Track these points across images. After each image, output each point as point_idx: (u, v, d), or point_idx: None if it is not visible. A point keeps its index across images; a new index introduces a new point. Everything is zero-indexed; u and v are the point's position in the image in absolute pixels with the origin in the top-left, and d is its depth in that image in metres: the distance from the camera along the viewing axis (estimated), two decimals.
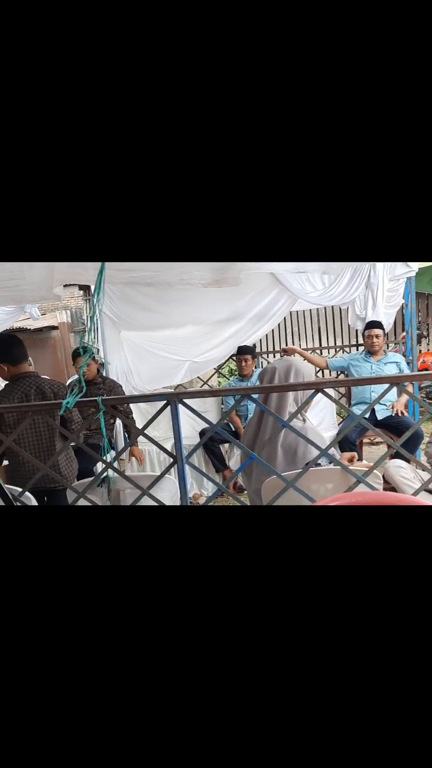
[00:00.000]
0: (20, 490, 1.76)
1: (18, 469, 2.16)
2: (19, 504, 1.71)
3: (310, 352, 3.94)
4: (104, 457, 1.81)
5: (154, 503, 1.73)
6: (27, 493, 1.76)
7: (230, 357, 3.81)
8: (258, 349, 4.52)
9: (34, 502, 1.80)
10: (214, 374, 4.35)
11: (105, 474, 1.76)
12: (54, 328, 6.98)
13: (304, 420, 1.79)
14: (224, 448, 3.44)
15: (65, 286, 2.09)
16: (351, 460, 1.71)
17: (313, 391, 1.66)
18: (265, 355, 4.92)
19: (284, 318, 4.06)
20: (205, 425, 2.97)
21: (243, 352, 3.51)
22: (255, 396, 1.80)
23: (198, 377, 4.07)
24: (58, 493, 2.14)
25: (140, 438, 1.82)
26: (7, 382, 2.25)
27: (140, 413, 3.56)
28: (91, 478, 1.80)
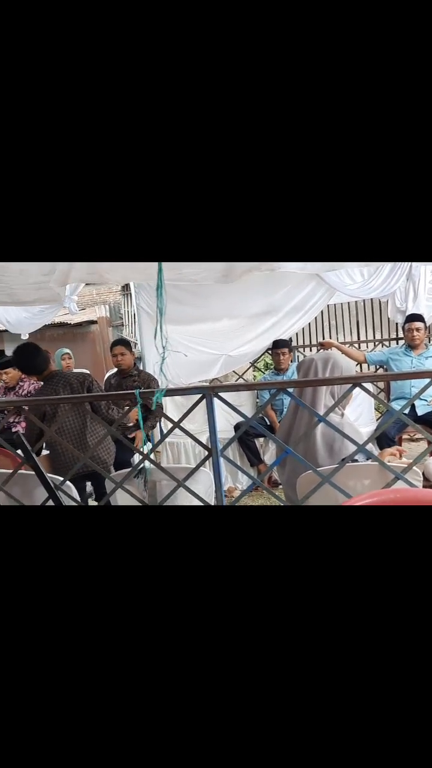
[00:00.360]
0: (61, 479, 1.82)
1: (59, 458, 2.30)
2: (60, 493, 1.78)
3: (347, 345, 3.87)
4: (141, 448, 1.85)
5: (189, 495, 1.75)
6: (68, 482, 1.83)
7: (266, 351, 3.79)
8: (294, 343, 4.48)
9: (74, 492, 1.86)
10: (249, 368, 4.34)
11: (142, 465, 1.80)
12: (93, 322, 7.15)
13: (341, 415, 1.76)
14: (259, 442, 3.43)
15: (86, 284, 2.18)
16: (396, 454, 1.67)
17: (350, 385, 1.63)
18: (301, 349, 4.87)
19: (321, 311, 3.99)
20: (240, 419, 2.97)
21: (279, 345, 3.49)
22: (290, 390, 1.79)
23: (233, 371, 4.07)
24: (100, 475, 2.23)
25: (176, 431, 1.84)
26: (41, 384, 2.44)
27: (175, 406, 3.60)
28: (129, 469, 1.85)
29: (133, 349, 3.38)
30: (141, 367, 3.41)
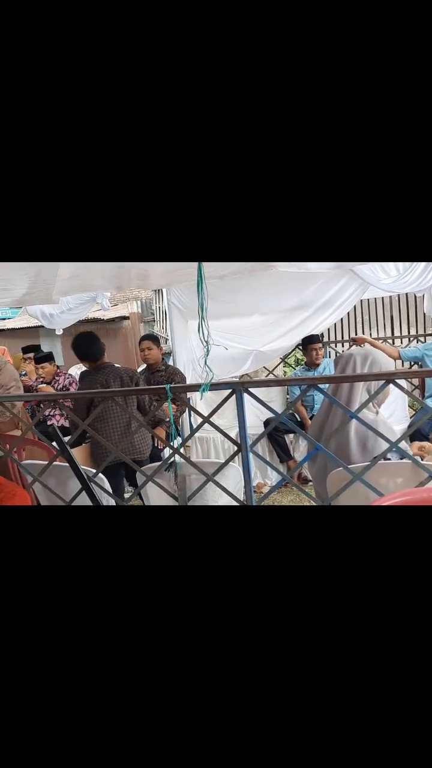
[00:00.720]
0: (94, 471, 1.87)
1: (98, 448, 2.47)
2: (93, 485, 1.83)
3: (381, 341, 3.78)
4: (171, 443, 1.87)
5: (218, 490, 1.76)
6: (100, 474, 1.87)
7: (296, 346, 3.75)
8: (326, 339, 4.41)
9: (106, 484, 1.91)
10: (279, 364, 4.31)
11: (172, 459, 1.82)
12: (125, 318, 7.26)
13: (376, 412, 1.73)
14: (289, 438, 3.41)
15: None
16: (425, 446, 1.63)
17: (384, 382, 1.60)
18: (333, 345, 4.79)
19: (354, 306, 3.91)
20: (270, 415, 2.96)
21: (311, 341, 3.45)
22: (324, 386, 1.77)
23: (264, 367, 4.05)
24: (140, 463, 2.40)
25: (205, 426, 1.86)
26: (88, 371, 2.57)
27: (205, 401, 3.62)
28: (159, 462, 1.87)
29: (163, 345, 3.41)
30: (172, 362, 3.45)
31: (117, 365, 2.58)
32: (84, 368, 2.83)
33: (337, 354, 5.15)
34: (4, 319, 8.41)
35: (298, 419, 3.41)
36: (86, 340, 2.50)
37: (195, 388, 2.01)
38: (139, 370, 3.65)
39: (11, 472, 2.14)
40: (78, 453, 2.64)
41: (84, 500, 1.83)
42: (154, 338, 3.33)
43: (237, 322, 3.53)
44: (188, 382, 3.23)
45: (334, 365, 1.88)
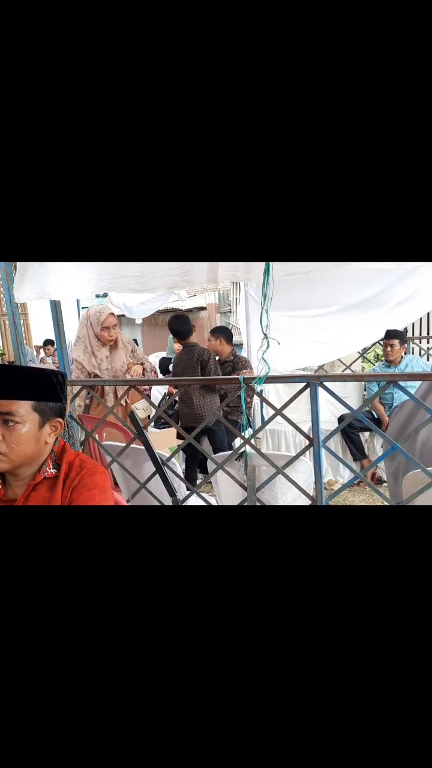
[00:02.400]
0: (167, 455, 1.94)
1: (186, 412, 3.03)
2: (166, 468, 1.90)
3: None
4: (243, 434, 1.89)
5: (288, 482, 1.76)
6: (173, 460, 1.94)
7: (377, 341, 3.59)
8: (409, 334, 4.17)
9: (179, 469, 1.97)
10: (358, 358, 4.16)
11: (243, 450, 1.84)
12: (202, 309, 7.39)
13: None
14: (364, 436, 3.29)
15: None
16: None
17: None
18: (417, 341, 4.52)
19: None
20: (345, 411, 2.88)
21: (391, 336, 3.28)
22: (402, 383, 1.69)
23: (340, 360, 3.93)
24: (212, 432, 2.96)
25: (277, 418, 1.85)
26: (181, 349, 3.16)
27: (277, 394, 3.60)
28: (230, 452, 1.90)
29: (236, 336, 3.44)
30: (245, 354, 3.46)
31: (198, 346, 3.10)
32: (162, 355, 2.98)
33: (421, 351, 4.84)
34: (89, 307, 8.92)
35: (375, 417, 3.28)
36: (180, 320, 3.18)
37: (268, 379, 2.00)
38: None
39: (92, 452, 2.29)
40: (162, 435, 2.80)
41: (157, 482, 1.91)
42: (222, 332, 3.36)
43: (314, 313, 3.44)
44: (258, 373, 3.22)
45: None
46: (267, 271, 1.65)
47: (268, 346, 1.72)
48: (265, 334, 1.71)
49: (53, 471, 1.08)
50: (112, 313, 2.70)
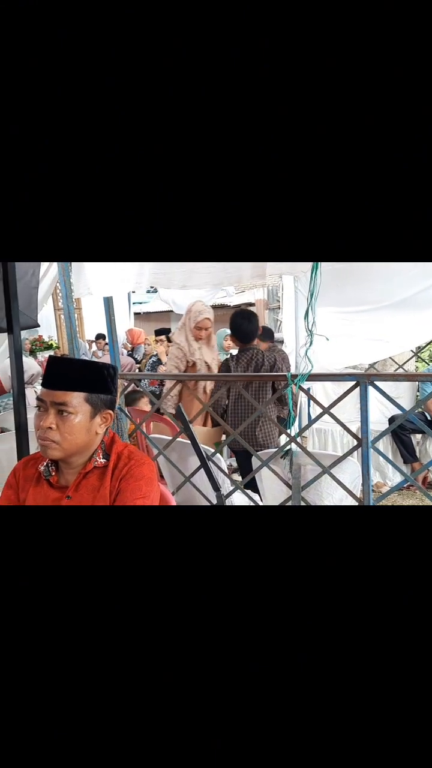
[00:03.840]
0: (213, 450, 1.96)
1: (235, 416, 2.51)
2: (211, 463, 1.91)
3: None
4: (288, 431, 1.87)
5: (334, 483, 1.72)
6: (218, 455, 1.95)
7: None
8: None
9: (223, 464, 1.98)
10: (411, 357, 4.00)
11: (288, 447, 1.82)
12: (251, 305, 7.36)
13: None
14: (416, 438, 3.17)
15: None
16: None
17: None
18: None
19: None
20: (396, 411, 2.78)
21: None
22: None
23: (392, 359, 3.80)
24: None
25: (324, 418, 1.81)
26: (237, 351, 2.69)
27: (325, 393, 3.52)
28: (275, 449, 1.89)
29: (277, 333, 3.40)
30: (286, 350, 3.41)
31: (261, 350, 2.52)
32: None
33: None
34: (141, 303, 9.13)
35: (429, 418, 3.15)
36: (245, 316, 2.53)
37: (317, 378, 1.96)
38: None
39: (140, 444, 2.34)
40: (207, 433, 2.81)
41: (202, 477, 1.93)
42: (265, 331, 3.33)
43: (366, 309, 3.33)
44: (306, 370, 3.16)
45: None
46: (315, 267, 1.62)
47: (311, 343, 1.69)
48: (310, 331, 1.68)
49: (103, 461, 1.12)
50: (209, 318, 2.90)
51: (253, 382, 2.40)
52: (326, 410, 1.76)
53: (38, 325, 2.46)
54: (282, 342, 3.58)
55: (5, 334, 2.49)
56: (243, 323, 2.49)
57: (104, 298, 2.09)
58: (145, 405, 2.79)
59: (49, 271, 3.07)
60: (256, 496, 2.02)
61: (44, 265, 2.97)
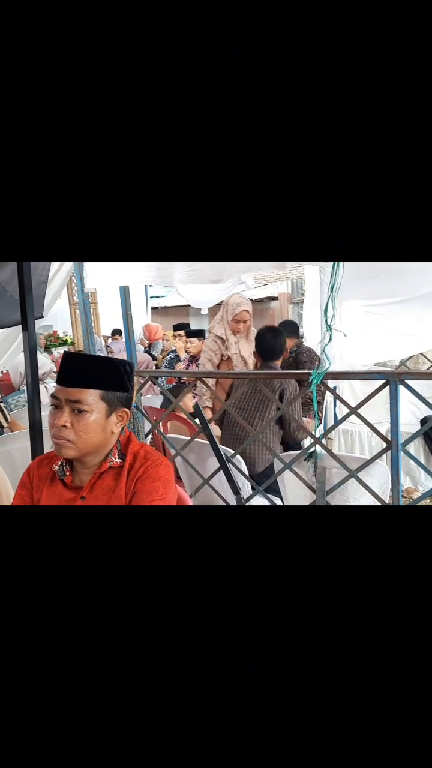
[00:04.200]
0: (233, 452, 1.87)
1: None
2: (231, 465, 1.83)
3: None
4: (313, 432, 1.77)
5: (361, 488, 1.62)
6: (238, 456, 1.87)
7: None
8: None
9: (243, 466, 1.90)
10: None
11: (312, 449, 1.72)
12: (274, 298, 7.22)
13: None
14: None
15: None
16: None
17: None
18: None
19: None
20: (429, 412, 2.63)
21: None
22: None
23: (425, 356, 3.63)
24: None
25: (351, 418, 1.71)
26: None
27: (352, 392, 3.39)
28: (299, 451, 1.79)
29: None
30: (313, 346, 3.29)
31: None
32: None
33: None
34: (158, 297, 9.07)
35: None
36: (276, 334, 2.29)
37: (345, 375, 1.86)
38: None
39: (157, 444, 2.28)
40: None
41: (221, 479, 1.85)
42: (289, 327, 3.22)
43: (397, 302, 3.17)
44: (333, 367, 3.04)
45: None
46: (333, 272, 1.53)
47: (330, 339, 1.59)
48: (328, 326, 1.58)
49: (118, 461, 1.09)
50: (247, 310, 2.78)
51: (253, 398, 2.16)
52: (353, 410, 1.65)
53: (42, 316, 2.40)
54: (302, 337, 3.45)
55: (11, 330, 2.44)
56: (267, 336, 2.27)
57: (120, 289, 2.02)
58: (189, 401, 2.64)
59: (62, 266, 3.04)
60: (277, 500, 1.93)
61: None
